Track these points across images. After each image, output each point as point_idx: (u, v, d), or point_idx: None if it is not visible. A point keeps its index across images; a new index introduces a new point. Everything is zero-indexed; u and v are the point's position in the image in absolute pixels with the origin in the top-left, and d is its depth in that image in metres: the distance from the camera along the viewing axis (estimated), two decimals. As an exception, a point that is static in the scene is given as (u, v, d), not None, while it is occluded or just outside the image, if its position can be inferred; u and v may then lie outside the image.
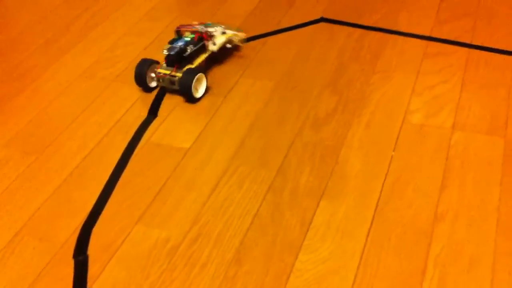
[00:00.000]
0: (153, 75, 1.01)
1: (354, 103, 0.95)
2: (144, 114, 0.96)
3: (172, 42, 1.01)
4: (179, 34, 1.05)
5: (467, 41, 1.06)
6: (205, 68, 1.03)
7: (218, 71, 1.05)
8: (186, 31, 1.05)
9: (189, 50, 1.00)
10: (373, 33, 1.11)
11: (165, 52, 0.99)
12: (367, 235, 0.74)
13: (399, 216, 0.76)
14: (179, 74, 0.98)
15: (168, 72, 0.99)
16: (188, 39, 1.02)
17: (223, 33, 1.06)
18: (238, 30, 1.10)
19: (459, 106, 0.92)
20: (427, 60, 1.03)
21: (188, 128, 0.93)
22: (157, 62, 1.01)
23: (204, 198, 0.81)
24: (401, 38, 1.09)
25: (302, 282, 0.69)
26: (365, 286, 0.68)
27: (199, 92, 0.99)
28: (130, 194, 0.82)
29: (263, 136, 0.91)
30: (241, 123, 0.94)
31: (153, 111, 0.97)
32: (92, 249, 0.75)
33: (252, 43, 1.12)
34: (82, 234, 0.77)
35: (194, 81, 0.96)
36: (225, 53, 1.08)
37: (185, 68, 0.99)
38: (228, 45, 1.07)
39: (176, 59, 0.99)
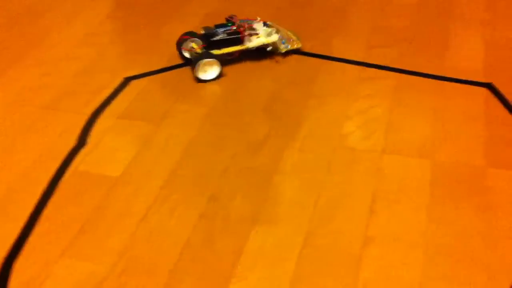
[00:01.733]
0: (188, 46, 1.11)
1: (289, 128, 0.96)
2: (73, 142, 0.94)
3: (217, 26, 1.10)
4: (228, 22, 1.12)
5: (397, 66, 1.08)
6: (236, 59, 1.10)
7: (151, 97, 1.04)
8: (235, 21, 1.11)
9: (219, 37, 1.08)
10: (308, 58, 1.12)
11: (201, 31, 1.11)
12: (297, 261, 0.73)
13: (329, 241, 0.76)
14: (199, 51, 1.08)
15: (195, 47, 1.09)
16: (228, 28, 1.09)
17: (269, 35, 1.09)
18: (296, 38, 1.12)
19: (389, 130, 0.94)
20: (359, 85, 1.05)
21: (119, 156, 0.91)
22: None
23: (134, 227, 0.79)
24: (335, 63, 1.11)
25: (231, 312, 0.68)
26: (294, 313, 0.68)
27: (206, 75, 1.06)
28: (56, 225, 0.79)
29: (197, 163, 0.90)
30: (174, 150, 0.92)
31: (83, 139, 0.95)
32: (13, 286, 0.71)
33: (187, 68, 1.11)
34: (2, 269, 0.73)
35: (201, 61, 1.05)
36: (265, 54, 1.11)
37: (199, 50, 1.08)
38: (269, 48, 1.10)
39: (205, 40, 1.09)
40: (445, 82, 1.05)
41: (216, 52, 1.08)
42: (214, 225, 0.79)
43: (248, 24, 1.10)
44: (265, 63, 1.12)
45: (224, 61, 1.09)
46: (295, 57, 1.13)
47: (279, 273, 0.72)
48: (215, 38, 1.08)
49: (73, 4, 1.36)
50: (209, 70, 1.07)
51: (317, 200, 0.82)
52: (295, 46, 1.11)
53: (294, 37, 1.12)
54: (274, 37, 1.09)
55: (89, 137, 0.95)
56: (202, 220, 0.80)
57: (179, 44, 1.12)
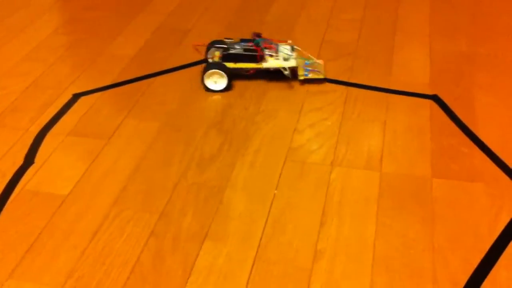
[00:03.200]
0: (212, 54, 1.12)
1: (239, 143, 0.96)
2: (20, 160, 0.92)
3: (242, 40, 1.11)
4: (254, 38, 1.11)
5: (346, 80, 1.11)
6: (252, 76, 1.10)
7: (101, 113, 1.03)
8: (258, 38, 1.11)
9: (234, 50, 1.09)
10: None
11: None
12: (249, 277, 0.74)
13: (280, 255, 0.77)
14: (211, 60, 1.11)
15: (216, 56, 1.10)
16: (248, 43, 1.10)
17: (286, 59, 1.08)
18: (322, 70, 1.10)
19: (339, 143, 0.96)
20: (309, 99, 1.06)
21: (68, 174, 0.89)
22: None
23: (82, 247, 0.78)
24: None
25: (182, 330, 0.68)
26: (245, 329, 0.68)
27: (213, 85, 1.07)
28: (3, 246, 0.77)
29: (147, 179, 0.89)
30: (124, 166, 0.91)
31: (30, 157, 0.93)
32: (-45, 311, 0.69)
33: (137, 83, 1.11)
34: None
35: (208, 71, 1.06)
36: (283, 77, 1.09)
37: (217, 59, 1.09)
38: (286, 72, 1.08)
39: (222, 51, 1.10)
40: (392, 95, 1.07)
41: (230, 65, 1.08)
42: (165, 242, 0.79)
43: (269, 43, 1.10)
44: (216, 78, 1.12)
45: (241, 76, 1.10)
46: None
47: (230, 289, 0.72)
48: (230, 51, 1.09)
49: (20, 18, 1.34)
50: (217, 81, 1.07)
51: (267, 214, 0.83)
52: (315, 77, 1.09)
53: (320, 69, 1.11)
54: (291, 63, 1.08)
55: (36, 155, 0.93)
56: (152, 238, 0.79)
57: (206, 50, 1.13)
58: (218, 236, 0.80)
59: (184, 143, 0.96)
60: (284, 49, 1.10)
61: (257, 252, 0.77)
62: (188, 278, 0.73)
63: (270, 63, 1.08)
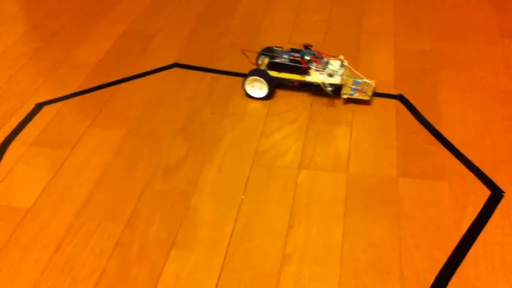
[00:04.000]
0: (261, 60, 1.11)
1: (206, 148, 0.95)
2: (-19, 173, 0.90)
3: (292, 49, 1.08)
4: (306, 49, 1.08)
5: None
6: (296, 87, 1.07)
7: (65, 122, 1.01)
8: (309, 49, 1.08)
9: (279, 60, 1.06)
10: (224, 77, 1.13)
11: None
12: (216, 284, 0.73)
13: (248, 260, 0.76)
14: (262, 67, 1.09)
15: (264, 63, 1.09)
16: (295, 54, 1.07)
17: (331, 75, 1.03)
18: (370, 92, 1.04)
19: (306, 145, 0.96)
20: (276, 101, 1.06)
21: (30, 185, 0.88)
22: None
23: (46, 260, 0.76)
24: (251, 80, 1.12)
25: None
26: (214, 338, 0.67)
27: (253, 91, 1.06)
28: (-38, 263, 0.75)
29: (112, 188, 0.88)
30: (89, 175, 0.90)
31: (-10, 170, 0.91)
32: None
33: (102, 91, 1.09)
34: None
35: (249, 77, 1.05)
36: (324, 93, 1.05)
37: (263, 67, 1.08)
38: (329, 89, 1.03)
39: (269, 55, 1.08)
40: (358, 96, 1.08)
41: (274, 73, 1.06)
42: (131, 252, 0.77)
43: (315, 57, 1.06)
44: (181, 82, 1.11)
45: (286, 86, 1.07)
46: (210, 75, 1.13)
47: (198, 297, 0.72)
48: (276, 60, 1.06)
49: (-20, 27, 1.31)
50: (258, 88, 1.06)
51: (235, 220, 0.82)
52: (361, 98, 1.04)
53: (369, 90, 1.04)
54: (335, 80, 1.03)
55: (-3, 168, 0.91)
56: (118, 248, 0.78)
57: (257, 56, 1.11)
58: (186, 244, 0.79)
59: (150, 150, 0.95)
60: (332, 64, 1.06)
61: (225, 258, 0.76)
62: (155, 287, 0.73)
63: (313, 77, 1.04)
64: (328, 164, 0.92)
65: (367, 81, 1.04)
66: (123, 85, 1.11)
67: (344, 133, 0.98)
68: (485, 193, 0.85)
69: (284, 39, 1.24)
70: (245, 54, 1.12)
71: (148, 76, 1.14)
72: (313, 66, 1.05)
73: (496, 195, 0.84)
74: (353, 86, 1.04)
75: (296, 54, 1.06)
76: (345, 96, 1.04)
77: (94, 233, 0.80)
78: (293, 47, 1.09)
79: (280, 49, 1.09)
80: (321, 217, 0.82)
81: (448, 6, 1.36)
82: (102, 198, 0.86)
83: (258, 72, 1.05)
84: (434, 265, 0.75)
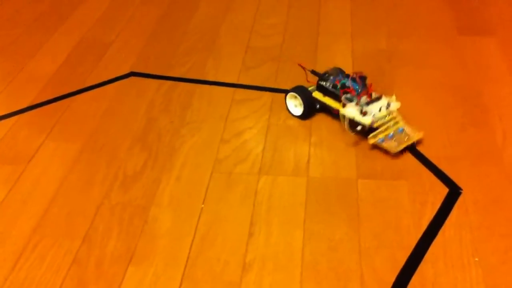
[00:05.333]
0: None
1: (164, 158, 0.94)
2: None
3: (346, 75, 1.00)
4: (356, 80, 0.97)
5: (270, 86, 1.10)
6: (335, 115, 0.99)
7: (19, 137, 0.99)
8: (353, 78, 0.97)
9: (324, 83, 0.99)
10: (182, 84, 1.12)
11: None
12: (176, 297, 0.72)
13: (208, 271, 0.75)
14: (310, 85, 1.03)
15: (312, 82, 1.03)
16: (344, 81, 0.97)
17: (364, 114, 0.92)
18: (405, 140, 0.92)
19: (265, 150, 0.95)
20: (234, 107, 1.05)
21: (-17, 204, 0.85)
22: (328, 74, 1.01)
23: (3, 277, 0.74)
24: (209, 87, 1.11)
25: None
26: None
27: (293, 109, 1.02)
28: None
29: (68, 203, 0.86)
30: (45, 190, 0.88)
31: None
32: None
33: (57, 103, 1.07)
34: None
35: (289, 92, 1.01)
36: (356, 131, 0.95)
37: (310, 87, 1.02)
38: (359, 127, 0.93)
39: (317, 76, 1.02)
40: (317, 98, 1.08)
41: (317, 95, 1.00)
42: (88, 269, 0.76)
43: (354, 88, 0.95)
44: (138, 91, 1.10)
45: (329, 111, 1.00)
46: (168, 83, 1.12)
47: (157, 311, 0.70)
48: (321, 82, 1.00)
49: None
50: (296, 105, 1.01)
51: (195, 231, 0.81)
52: (388, 148, 0.91)
53: (400, 146, 0.92)
54: (366, 120, 0.92)
55: None
56: (75, 266, 0.76)
57: (322, 74, 1.02)
58: (144, 257, 0.77)
59: (106, 162, 0.93)
60: (378, 103, 0.94)
61: (184, 270, 0.75)
62: (113, 304, 0.71)
63: (345, 110, 0.95)
64: (288, 168, 0.91)
65: (412, 133, 0.93)
66: (78, 96, 1.09)
67: (303, 137, 0.98)
68: (443, 190, 0.86)
69: (242, 43, 1.23)
70: (303, 68, 1.05)
71: (104, 86, 1.12)
72: (349, 98, 0.95)
73: (453, 192, 0.85)
74: (389, 135, 0.93)
75: (337, 82, 0.98)
76: (371, 141, 0.92)
77: (50, 250, 0.78)
78: (353, 73, 0.99)
79: (337, 72, 1.01)
80: (281, 222, 0.82)
81: (405, 4, 1.37)
82: (59, 213, 0.84)
83: (298, 90, 1.01)
84: (394, 265, 0.75)
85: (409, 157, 0.92)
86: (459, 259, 0.75)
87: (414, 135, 0.93)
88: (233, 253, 0.77)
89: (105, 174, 0.91)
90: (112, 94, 1.10)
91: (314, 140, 0.97)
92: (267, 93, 1.09)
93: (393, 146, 0.91)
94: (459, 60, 1.15)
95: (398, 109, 0.96)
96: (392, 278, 0.73)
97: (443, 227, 0.80)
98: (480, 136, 0.95)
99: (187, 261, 0.77)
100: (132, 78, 1.14)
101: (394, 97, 0.96)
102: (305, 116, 1.01)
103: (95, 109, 1.05)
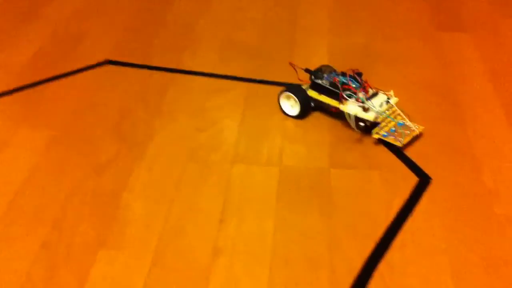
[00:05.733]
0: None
1: (138, 146, 0.94)
2: None
3: (342, 73, 0.98)
4: (355, 78, 0.96)
5: (247, 76, 1.10)
6: (334, 114, 0.98)
7: (-9, 124, 0.98)
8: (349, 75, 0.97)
9: (319, 81, 0.98)
10: (158, 73, 1.11)
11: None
12: (145, 282, 0.72)
13: (178, 257, 0.75)
14: (304, 84, 1.02)
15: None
16: (336, 78, 0.96)
17: (366, 110, 0.92)
18: (408, 125, 0.93)
19: (239, 140, 0.95)
20: (210, 97, 1.05)
21: (-49, 190, 0.84)
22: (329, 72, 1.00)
23: (-33, 266, 0.73)
24: (185, 77, 1.11)
25: None
26: (141, 337, 0.66)
27: (289, 109, 1.00)
28: None
29: (39, 190, 0.85)
30: (15, 178, 0.87)
31: None
32: None
33: (29, 91, 1.06)
34: None
35: (284, 92, 0.99)
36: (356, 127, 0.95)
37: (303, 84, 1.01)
38: (361, 124, 0.93)
39: (312, 74, 1.00)
40: (293, 89, 1.08)
41: (313, 94, 0.99)
42: (57, 254, 0.75)
43: (354, 86, 0.94)
44: (113, 80, 1.09)
45: (325, 110, 0.99)
46: (144, 72, 1.11)
47: (126, 296, 0.70)
48: (317, 81, 0.98)
49: None
50: (291, 106, 0.99)
51: (166, 217, 0.81)
52: (393, 142, 0.92)
53: (406, 138, 0.92)
54: (369, 116, 0.92)
55: None
56: (44, 251, 0.75)
57: (314, 72, 1.01)
58: (115, 244, 0.77)
59: (79, 151, 0.92)
60: (377, 98, 0.95)
61: (155, 256, 0.75)
62: (81, 289, 0.71)
63: (346, 107, 0.94)
64: (262, 158, 0.92)
65: (413, 126, 0.94)
66: (52, 84, 1.08)
67: (277, 127, 0.98)
68: (414, 180, 0.87)
69: (221, 36, 1.23)
70: (293, 67, 1.04)
71: (79, 74, 1.11)
72: (349, 95, 0.95)
73: (423, 181, 0.86)
74: (392, 128, 0.94)
75: (336, 79, 0.97)
76: (376, 136, 0.93)
77: (18, 237, 0.77)
78: (344, 71, 0.98)
79: (329, 69, 1.00)
80: (253, 211, 0.82)
81: (383, 1, 1.38)
82: (28, 202, 0.83)
83: (294, 89, 0.99)
84: (363, 252, 0.75)
85: (381, 148, 0.93)
86: (427, 246, 0.76)
87: (415, 128, 0.94)
88: (204, 239, 0.78)
89: (77, 162, 0.90)
90: (87, 82, 1.09)
91: (287, 131, 0.97)
92: (243, 84, 1.09)
93: (398, 139, 0.92)
94: (436, 55, 1.16)
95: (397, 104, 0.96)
96: (360, 265, 0.74)
97: (412, 215, 0.80)
98: (453, 131, 0.96)
99: (157, 247, 0.76)
100: (108, 66, 1.13)
101: (392, 92, 0.97)
102: (301, 115, 0.99)
103: (69, 97, 1.05)
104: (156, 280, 0.72)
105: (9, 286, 0.71)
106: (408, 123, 0.94)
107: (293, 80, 1.10)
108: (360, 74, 0.97)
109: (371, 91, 0.96)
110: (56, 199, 0.83)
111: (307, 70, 1.02)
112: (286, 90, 0.99)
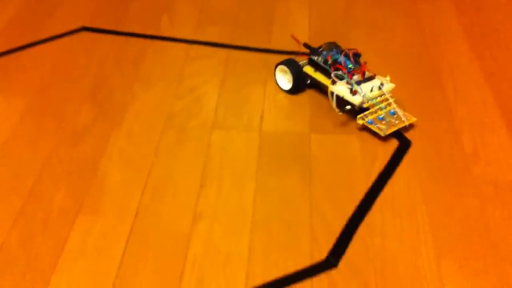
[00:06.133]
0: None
1: (115, 114, 0.92)
2: None
3: (341, 51, 0.93)
4: (349, 56, 0.92)
5: (227, 42, 1.09)
6: (319, 85, 0.96)
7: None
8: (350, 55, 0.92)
9: (316, 58, 0.94)
10: (135, 39, 1.09)
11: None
12: (125, 248, 0.71)
13: (157, 223, 0.74)
14: (302, 60, 0.97)
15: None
16: (336, 57, 0.92)
17: (354, 94, 0.87)
18: (400, 115, 0.88)
19: (219, 106, 0.94)
20: (188, 64, 1.03)
21: None
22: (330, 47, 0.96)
23: None
24: (163, 43, 1.08)
25: (53, 310, 0.64)
26: (121, 301, 0.65)
27: (283, 83, 0.97)
28: None
29: (14, 160, 0.83)
30: (-11, 146, 0.85)
31: None
32: None
33: (3, 59, 1.03)
34: None
35: (279, 64, 0.96)
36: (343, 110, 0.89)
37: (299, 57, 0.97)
38: (348, 107, 0.88)
39: (309, 50, 0.97)
40: (273, 55, 1.06)
41: (309, 70, 0.95)
42: (34, 223, 0.74)
43: (346, 65, 0.90)
44: (89, 47, 1.07)
45: (320, 88, 0.96)
46: (120, 38, 1.09)
47: (105, 262, 0.69)
48: (313, 57, 0.94)
49: None
50: (286, 79, 0.96)
51: (145, 184, 0.80)
52: (376, 130, 0.87)
53: (393, 125, 0.87)
54: (355, 99, 0.87)
55: None
56: (20, 220, 0.74)
57: (317, 48, 0.97)
58: (92, 210, 0.76)
59: (55, 118, 0.91)
60: (370, 83, 0.89)
61: (134, 222, 0.74)
62: (59, 256, 0.70)
63: (335, 88, 0.89)
64: (241, 123, 0.91)
65: (403, 117, 0.88)
66: (26, 51, 1.05)
67: (257, 93, 0.97)
68: (394, 143, 0.87)
69: (198, 2, 1.21)
70: (296, 41, 0.99)
71: (54, 41, 1.08)
72: (340, 76, 0.90)
73: (403, 145, 0.86)
74: (379, 116, 0.88)
75: (329, 58, 0.92)
76: (360, 121, 0.88)
77: (-6, 205, 0.76)
78: (346, 50, 0.93)
79: (331, 46, 0.95)
80: (233, 176, 0.82)
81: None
82: (4, 169, 0.82)
83: (289, 63, 0.95)
84: (343, 216, 0.75)
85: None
86: (407, 208, 0.76)
87: (406, 119, 0.88)
88: (183, 205, 0.77)
89: (53, 129, 0.88)
90: (63, 49, 1.06)
91: (268, 96, 0.96)
92: (222, 50, 1.07)
93: (382, 128, 0.86)
94: (416, 22, 1.15)
95: (392, 91, 0.91)
96: (340, 228, 0.74)
97: (392, 178, 0.81)
98: (433, 95, 0.96)
99: (136, 213, 0.76)
100: (84, 33, 1.11)
101: (388, 78, 0.92)
102: (293, 91, 0.96)
103: (44, 64, 1.02)
104: (136, 246, 0.71)
105: (-15, 254, 0.70)
106: (400, 113, 0.89)
107: (274, 46, 1.09)
108: (358, 55, 0.93)
109: (367, 74, 0.92)
110: (33, 167, 0.82)
111: (305, 45, 0.99)
112: (281, 63, 0.96)
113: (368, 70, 0.92)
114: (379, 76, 0.92)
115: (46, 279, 0.67)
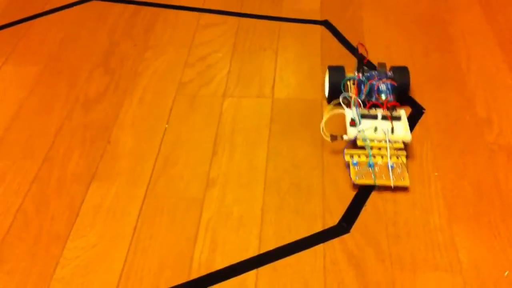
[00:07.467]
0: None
1: (127, 81, 0.92)
2: None
3: (380, 78, 0.84)
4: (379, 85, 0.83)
5: (237, 10, 1.08)
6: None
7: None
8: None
9: (353, 73, 0.85)
10: (145, 8, 1.08)
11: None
12: (139, 213, 0.72)
13: (171, 187, 0.75)
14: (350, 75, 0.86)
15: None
16: (360, 79, 0.84)
17: (353, 123, 0.77)
18: (397, 172, 0.74)
19: (230, 74, 0.94)
20: (199, 32, 1.03)
21: None
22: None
23: (-42, 200, 0.73)
24: (173, 11, 1.08)
25: (69, 271, 0.65)
26: (136, 262, 0.66)
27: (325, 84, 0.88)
28: None
29: (28, 125, 0.84)
30: (3, 113, 0.86)
31: None
32: None
33: (14, 28, 1.03)
34: None
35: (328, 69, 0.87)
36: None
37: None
38: (345, 137, 0.77)
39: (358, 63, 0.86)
40: (284, 23, 1.06)
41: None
42: (49, 187, 0.75)
43: (359, 90, 0.82)
44: (99, 16, 1.06)
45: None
46: (131, 7, 1.09)
47: (120, 226, 0.70)
48: (355, 72, 0.86)
49: None
50: (326, 82, 0.87)
51: (158, 149, 0.80)
52: (351, 172, 0.74)
53: (372, 178, 0.73)
54: (350, 131, 0.77)
55: None
56: (35, 184, 0.75)
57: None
58: (106, 176, 0.77)
59: (67, 85, 0.91)
60: (379, 121, 0.78)
61: (147, 188, 0.75)
62: (74, 220, 0.71)
63: (347, 109, 0.79)
64: (253, 90, 0.91)
65: (396, 177, 0.73)
66: (37, 20, 1.05)
67: (269, 60, 0.97)
68: (407, 110, 0.86)
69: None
70: (364, 49, 0.89)
71: (64, 10, 1.08)
72: (348, 99, 0.81)
73: (416, 111, 0.86)
74: (370, 163, 0.74)
75: (361, 76, 0.85)
76: (346, 158, 0.75)
77: (9, 171, 0.77)
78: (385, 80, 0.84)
79: (382, 69, 0.87)
80: (246, 142, 0.82)
81: None
82: (17, 137, 0.82)
83: (335, 70, 0.86)
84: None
85: (374, 79, 0.92)
86: (419, 174, 0.76)
87: (396, 180, 0.73)
88: (196, 171, 0.77)
89: (66, 96, 0.89)
90: (73, 18, 1.06)
91: (280, 63, 0.96)
92: (233, 18, 1.06)
93: (357, 175, 0.74)
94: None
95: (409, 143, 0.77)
96: (353, 194, 0.74)
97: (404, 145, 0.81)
98: (445, 62, 0.95)
99: (150, 179, 0.76)
100: (94, 2, 1.10)
101: (403, 110, 0.80)
102: (328, 98, 0.87)
103: (55, 33, 1.02)
104: (150, 211, 0.72)
105: (2, 220, 0.71)
106: (399, 170, 0.74)
107: (285, 14, 1.08)
108: (393, 87, 0.83)
109: (394, 114, 0.79)
110: (46, 134, 0.82)
111: (361, 58, 0.87)
112: (329, 69, 0.87)
113: (396, 109, 0.80)
114: (397, 122, 0.78)
115: (61, 242, 0.68)
